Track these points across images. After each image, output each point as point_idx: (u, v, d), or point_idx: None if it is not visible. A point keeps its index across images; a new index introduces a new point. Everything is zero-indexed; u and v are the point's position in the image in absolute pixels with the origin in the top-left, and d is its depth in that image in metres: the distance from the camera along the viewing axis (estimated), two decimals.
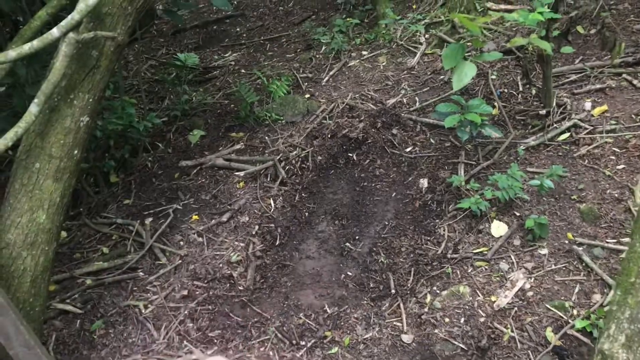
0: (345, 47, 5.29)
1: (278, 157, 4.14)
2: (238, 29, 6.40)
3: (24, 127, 2.41)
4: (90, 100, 2.71)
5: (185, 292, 3.34)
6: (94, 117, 2.78)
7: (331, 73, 5.08)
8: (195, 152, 4.47)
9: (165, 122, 4.78)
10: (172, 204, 4.00)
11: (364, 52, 5.22)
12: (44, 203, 2.65)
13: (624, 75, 3.99)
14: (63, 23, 2.42)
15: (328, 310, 3.18)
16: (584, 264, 3.08)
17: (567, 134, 3.70)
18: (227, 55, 5.84)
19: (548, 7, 3.34)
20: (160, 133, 4.70)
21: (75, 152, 2.71)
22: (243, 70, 5.48)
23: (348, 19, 5.56)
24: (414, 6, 5.47)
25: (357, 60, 5.17)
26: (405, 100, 4.51)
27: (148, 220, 3.83)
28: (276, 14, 6.55)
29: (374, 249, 3.49)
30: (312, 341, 3.02)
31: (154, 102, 5.16)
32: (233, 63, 5.63)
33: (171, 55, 5.98)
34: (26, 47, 2.39)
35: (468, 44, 4.24)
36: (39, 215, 2.64)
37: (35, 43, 2.39)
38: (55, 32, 2.41)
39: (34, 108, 2.44)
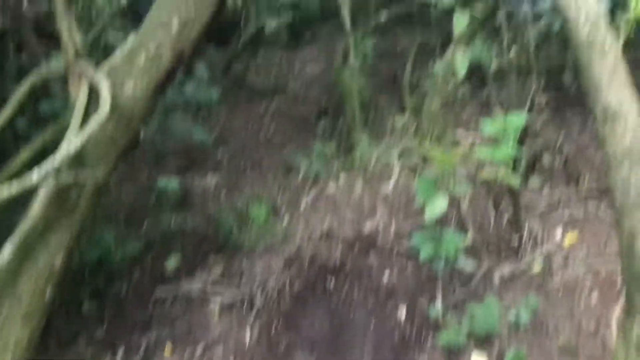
0: (323, 172, 5.44)
1: (255, 286, 4.12)
2: (219, 154, 6.57)
3: None
4: (67, 238, 2.72)
5: None
6: (69, 256, 2.78)
7: (309, 198, 5.18)
8: (171, 279, 4.42)
9: (143, 247, 4.75)
10: (145, 334, 3.89)
11: (341, 178, 5.36)
12: (10, 346, 2.57)
13: (590, 205, 4.13)
14: (43, 168, 2.48)
15: None
16: None
17: (540, 264, 3.76)
18: (207, 179, 5.95)
19: (513, 144, 3.53)
20: (137, 259, 4.66)
21: (47, 292, 2.67)
22: (223, 195, 5.56)
23: (326, 145, 5.76)
24: (388, 134, 5.71)
25: (335, 186, 5.30)
26: (381, 227, 4.58)
27: (120, 354, 3.71)
28: (257, 139, 6.76)
29: None
30: None
31: (133, 228, 5.16)
32: (213, 188, 5.73)
33: (152, 179, 6.07)
34: (4, 192, 2.43)
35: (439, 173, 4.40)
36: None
37: (14, 188, 2.43)
38: (34, 177, 2.47)
39: (7, 249, 2.44)
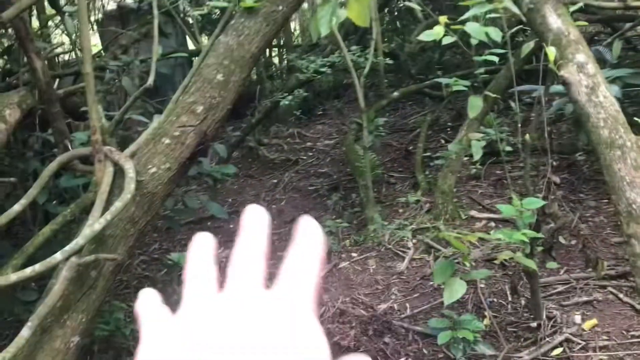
0: (335, 248, 5.42)
1: None
2: (232, 226, 6.59)
3: (12, 352, 2.37)
4: (84, 320, 2.70)
5: None
6: (85, 337, 2.74)
7: (321, 275, 5.13)
8: None
9: None
10: None
11: (354, 254, 5.34)
12: None
13: (609, 289, 4.07)
14: (67, 248, 2.49)
15: None
16: None
17: (560, 349, 3.67)
18: (221, 252, 5.93)
19: (530, 227, 3.52)
20: None
21: None
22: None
23: (337, 220, 5.77)
24: (401, 210, 5.73)
25: (347, 262, 5.27)
26: (396, 306, 4.52)
27: None
28: (269, 212, 6.80)
29: None
30: None
31: None
32: (225, 260, 5.71)
33: (164, 251, 6.07)
34: (28, 271, 2.43)
35: (456, 254, 4.38)
36: None
37: (37, 267, 2.44)
38: (58, 256, 2.47)
39: (25, 332, 2.42)
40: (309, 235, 0.51)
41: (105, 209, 2.60)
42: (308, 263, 0.50)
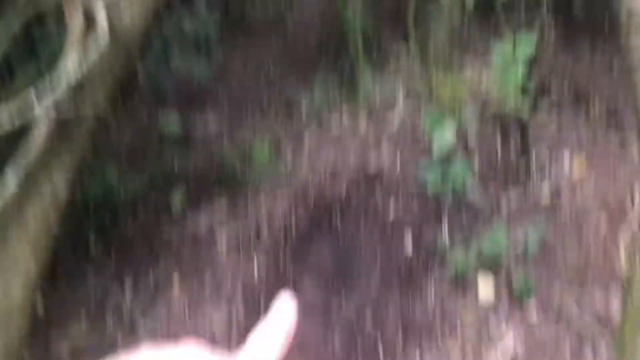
0: (326, 108, 5.35)
1: (261, 224, 4.11)
2: (219, 92, 6.46)
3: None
4: (70, 171, 2.67)
5: None
6: (73, 189, 2.73)
7: (313, 135, 5.11)
8: (177, 218, 4.41)
9: (147, 187, 4.73)
10: (153, 271, 3.91)
11: (345, 114, 5.28)
12: (21, 274, 2.56)
13: (599, 132, 4.06)
14: (43, 101, 2.40)
15: None
16: (573, 324, 3.05)
17: (548, 192, 3.73)
18: (208, 118, 5.86)
19: (524, 69, 3.44)
20: (142, 198, 4.64)
21: (53, 223, 2.64)
22: (225, 134, 5.49)
23: (328, 80, 5.64)
24: (391, 67, 5.59)
25: (338, 122, 5.22)
26: (387, 163, 4.54)
27: (128, 291, 3.73)
28: (257, 76, 6.64)
29: (361, 314, 3.43)
30: None
31: (135, 166, 5.12)
32: (214, 126, 5.65)
33: (152, 117, 5.99)
34: (5, 122, 2.36)
35: (446, 105, 4.32)
36: (14, 291, 2.55)
37: (16, 120, 2.37)
38: (35, 110, 2.39)
39: (12, 179, 2.40)
40: (282, 314, 0.58)
41: (81, 58, 2.48)
42: (273, 342, 0.56)
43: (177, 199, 4.49)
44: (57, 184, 2.57)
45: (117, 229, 4.31)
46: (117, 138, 5.08)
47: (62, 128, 2.59)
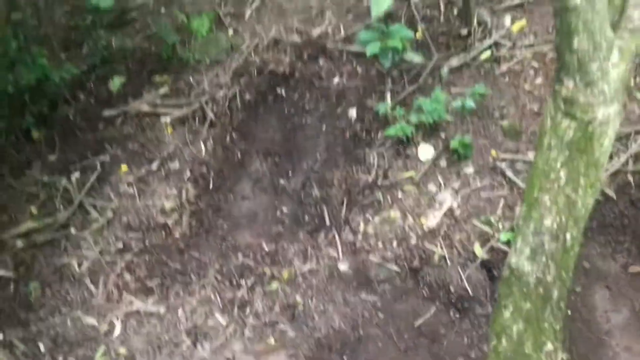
0: None
1: (205, 99, 4.06)
2: None
3: None
4: None
5: (120, 245, 3.31)
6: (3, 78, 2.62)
7: (254, 6, 4.91)
8: (118, 100, 4.31)
9: (84, 71, 4.56)
10: (98, 156, 3.88)
11: None
12: None
13: None
14: None
15: (266, 248, 3.22)
16: (507, 179, 3.20)
17: (488, 53, 3.74)
18: None
19: None
20: (80, 83, 4.49)
21: None
22: (163, 10, 5.22)
23: None
24: None
25: None
26: (330, 30, 4.44)
27: (75, 176, 3.73)
28: None
29: (308, 183, 3.52)
30: (252, 279, 3.07)
31: (70, 51, 4.90)
32: (151, 2, 5.37)
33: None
34: None
35: None
36: None
37: None
38: None
39: None
40: None
41: None
42: None
43: (116, 82, 4.35)
44: None
45: (58, 117, 4.19)
46: (48, 24, 4.81)
47: None
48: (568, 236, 1.57)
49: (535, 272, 1.58)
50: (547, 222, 1.59)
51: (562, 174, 1.60)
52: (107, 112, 4.14)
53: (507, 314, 1.65)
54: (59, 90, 4.18)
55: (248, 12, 4.84)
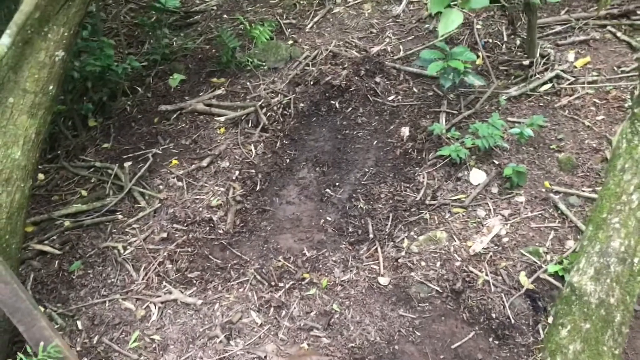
0: None
1: (260, 103, 4.10)
2: None
3: None
4: (65, 34, 2.64)
5: (164, 235, 3.34)
6: (69, 52, 2.71)
7: (315, 19, 4.99)
8: (175, 96, 4.40)
9: (145, 66, 4.69)
10: (151, 148, 3.96)
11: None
12: (19, 139, 2.60)
13: (608, 27, 3.97)
14: None
15: (307, 254, 3.21)
16: (559, 212, 3.13)
17: (549, 85, 3.71)
18: None
19: None
20: (140, 77, 4.62)
21: (51, 87, 2.65)
22: (225, 16, 5.36)
23: None
24: None
25: (342, 7, 5.08)
26: (389, 49, 4.47)
27: (127, 164, 3.78)
28: None
29: (354, 195, 3.51)
30: (291, 283, 3.05)
31: (134, 46, 5.05)
32: (215, 8, 5.50)
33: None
34: None
35: None
36: (14, 151, 2.60)
37: None
38: None
39: (5, 39, 2.37)
40: None
41: None
42: None
43: (175, 79, 4.46)
44: (52, 44, 2.54)
45: (116, 108, 4.31)
46: (115, 20, 4.96)
47: None
48: (636, 260, 1.52)
49: (599, 293, 1.53)
50: (615, 244, 1.54)
51: (635, 197, 1.56)
52: (163, 107, 4.23)
53: (564, 332, 1.60)
54: (120, 81, 4.29)
55: (309, 25, 4.92)
